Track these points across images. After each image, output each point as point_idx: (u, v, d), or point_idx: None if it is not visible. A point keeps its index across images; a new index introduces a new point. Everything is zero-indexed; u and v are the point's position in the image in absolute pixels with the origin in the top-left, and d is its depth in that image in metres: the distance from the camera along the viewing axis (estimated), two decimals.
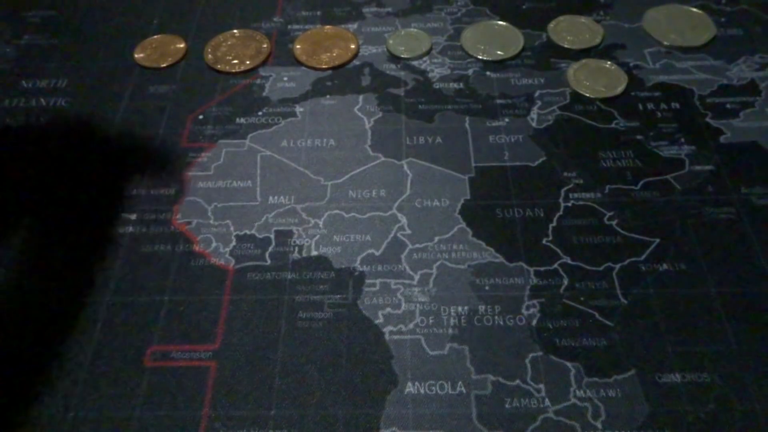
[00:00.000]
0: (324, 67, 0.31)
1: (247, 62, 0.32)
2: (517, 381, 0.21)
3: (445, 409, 0.21)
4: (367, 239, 0.25)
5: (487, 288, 0.23)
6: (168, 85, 0.31)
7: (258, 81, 0.31)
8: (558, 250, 0.24)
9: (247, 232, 0.25)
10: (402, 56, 0.32)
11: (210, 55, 0.32)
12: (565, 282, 0.23)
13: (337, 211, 0.26)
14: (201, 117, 0.29)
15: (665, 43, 0.32)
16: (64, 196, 0.26)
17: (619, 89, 0.30)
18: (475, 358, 0.22)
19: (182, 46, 0.32)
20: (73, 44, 0.33)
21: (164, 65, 0.32)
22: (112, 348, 0.22)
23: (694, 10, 0.33)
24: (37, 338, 0.22)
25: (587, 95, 0.30)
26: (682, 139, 0.28)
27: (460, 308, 0.23)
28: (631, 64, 0.31)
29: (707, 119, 0.28)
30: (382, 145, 0.28)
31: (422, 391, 0.21)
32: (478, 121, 0.29)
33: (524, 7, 0.34)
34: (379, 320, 0.23)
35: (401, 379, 0.21)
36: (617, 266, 0.24)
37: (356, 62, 0.32)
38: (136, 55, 0.32)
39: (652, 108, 0.29)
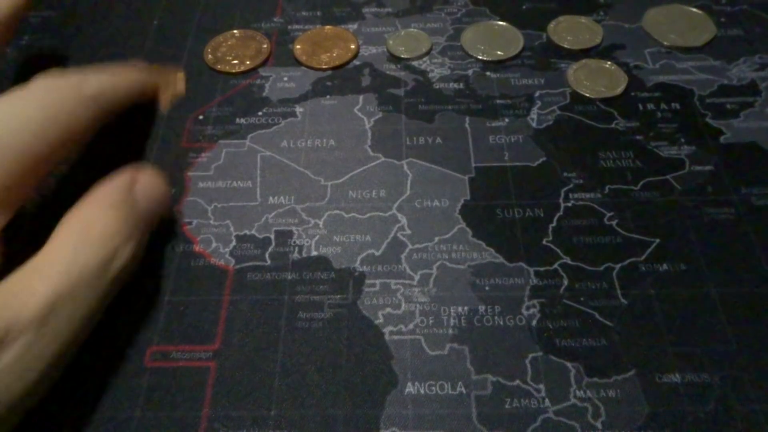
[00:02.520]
0: (324, 67, 0.31)
1: (247, 62, 0.32)
2: (517, 381, 0.21)
3: (445, 410, 0.21)
4: (367, 239, 0.25)
5: (487, 288, 0.23)
6: None
7: (258, 81, 0.31)
8: (558, 250, 0.24)
9: (247, 232, 0.25)
10: (402, 56, 0.32)
11: (210, 56, 0.32)
12: (565, 282, 0.23)
13: (337, 212, 0.26)
14: (201, 117, 0.29)
15: (665, 43, 0.32)
16: (65, 196, 0.26)
17: (619, 89, 0.30)
18: (475, 358, 0.22)
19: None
20: (73, 44, 0.33)
21: None
22: (112, 348, 0.22)
23: (694, 10, 0.33)
24: None
25: (587, 95, 0.30)
26: (682, 139, 0.28)
27: (460, 308, 0.23)
28: (631, 64, 0.31)
29: (707, 119, 0.28)
30: (382, 145, 0.28)
31: (422, 391, 0.21)
32: (478, 121, 0.29)
33: (524, 7, 0.34)
34: (379, 320, 0.23)
35: (401, 380, 0.21)
36: (617, 266, 0.24)
37: (356, 62, 0.32)
38: None
39: (652, 108, 0.29)
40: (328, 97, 0.30)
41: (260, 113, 0.29)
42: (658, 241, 0.24)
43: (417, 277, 0.24)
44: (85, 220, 0.20)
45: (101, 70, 0.25)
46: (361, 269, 0.24)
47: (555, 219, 0.25)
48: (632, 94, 0.30)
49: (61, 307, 0.18)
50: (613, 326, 0.22)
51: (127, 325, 0.23)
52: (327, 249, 0.25)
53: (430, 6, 0.34)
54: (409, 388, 0.21)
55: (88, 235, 0.20)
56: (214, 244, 0.25)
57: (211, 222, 0.26)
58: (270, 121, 0.29)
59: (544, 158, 0.27)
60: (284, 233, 0.25)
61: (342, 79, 0.31)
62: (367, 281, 0.24)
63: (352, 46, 0.32)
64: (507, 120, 0.29)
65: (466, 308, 0.23)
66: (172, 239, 0.25)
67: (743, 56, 0.31)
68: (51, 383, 0.19)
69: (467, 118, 0.29)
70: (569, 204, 0.26)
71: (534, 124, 0.29)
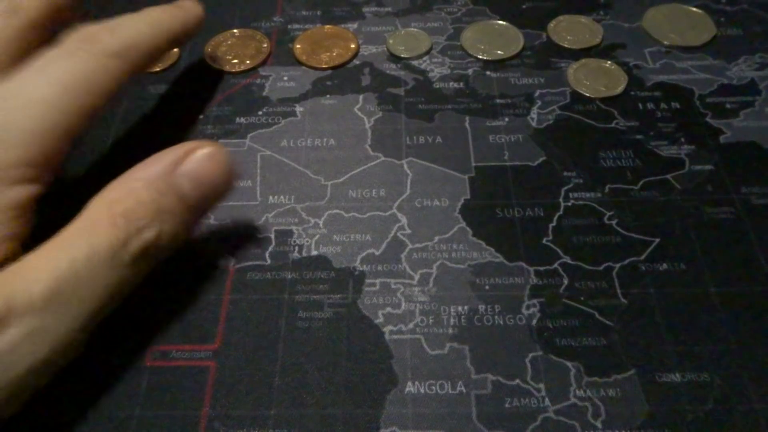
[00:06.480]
0: (324, 66, 0.31)
1: (247, 62, 0.32)
2: (517, 381, 0.21)
3: (445, 409, 0.21)
4: (367, 239, 0.25)
5: (487, 288, 0.23)
6: (168, 85, 0.31)
7: (258, 81, 0.31)
8: (558, 250, 0.24)
9: (247, 231, 0.25)
10: (402, 56, 0.32)
11: (210, 55, 0.32)
12: (565, 282, 0.23)
13: (337, 211, 0.26)
14: (201, 116, 0.29)
15: (665, 42, 0.32)
16: (64, 196, 0.26)
17: (619, 89, 0.30)
18: (475, 357, 0.22)
19: (175, 50, 0.32)
20: None
21: (157, 70, 0.31)
22: (112, 348, 0.22)
23: (694, 10, 0.33)
24: None
25: (587, 95, 0.30)
26: (682, 139, 0.28)
27: (460, 308, 0.23)
28: (631, 64, 0.31)
29: (707, 119, 0.28)
30: (382, 145, 0.28)
31: (422, 390, 0.21)
32: (478, 120, 0.29)
33: (524, 6, 0.34)
34: (379, 320, 0.23)
35: (401, 379, 0.21)
36: (617, 266, 0.24)
37: (356, 62, 0.32)
38: None
39: (652, 108, 0.29)
40: (328, 96, 0.30)
41: (260, 113, 0.29)
42: (658, 240, 0.24)
43: (417, 277, 0.24)
44: (110, 199, 0.19)
45: (128, 18, 0.24)
46: (361, 268, 0.24)
47: (555, 218, 0.25)
48: (632, 93, 0.30)
49: (67, 289, 0.18)
50: (613, 326, 0.22)
51: (127, 325, 0.23)
52: (327, 248, 0.25)
53: (430, 5, 0.34)
54: (409, 388, 0.21)
55: (108, 214, 0.19)
56: (214, 244, 0.25)
57: (212, 221, 0.26)
58: (270, 120, 0.29)
59: (544, 158, 0.27)
60: (284, 233, 0.25)
61: (342, 78, 0.31)
62: (367, 280, 0.24)
63: (352, 46, 0.32)
64: (507, 119, 0.29)
65: (466, 308, 0.23)
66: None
67: (743, 56, 0.31)
68: (58, 368, 0.19)
69: (467, 118, 0.29)
70: (569, 203, 0.26)
71: (534, 124, 0.29)
